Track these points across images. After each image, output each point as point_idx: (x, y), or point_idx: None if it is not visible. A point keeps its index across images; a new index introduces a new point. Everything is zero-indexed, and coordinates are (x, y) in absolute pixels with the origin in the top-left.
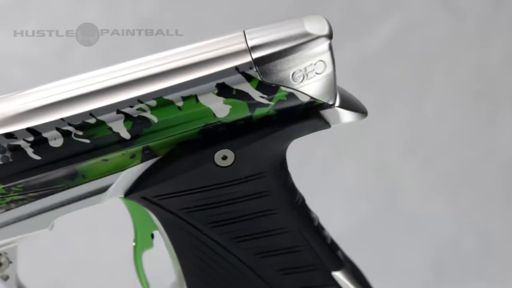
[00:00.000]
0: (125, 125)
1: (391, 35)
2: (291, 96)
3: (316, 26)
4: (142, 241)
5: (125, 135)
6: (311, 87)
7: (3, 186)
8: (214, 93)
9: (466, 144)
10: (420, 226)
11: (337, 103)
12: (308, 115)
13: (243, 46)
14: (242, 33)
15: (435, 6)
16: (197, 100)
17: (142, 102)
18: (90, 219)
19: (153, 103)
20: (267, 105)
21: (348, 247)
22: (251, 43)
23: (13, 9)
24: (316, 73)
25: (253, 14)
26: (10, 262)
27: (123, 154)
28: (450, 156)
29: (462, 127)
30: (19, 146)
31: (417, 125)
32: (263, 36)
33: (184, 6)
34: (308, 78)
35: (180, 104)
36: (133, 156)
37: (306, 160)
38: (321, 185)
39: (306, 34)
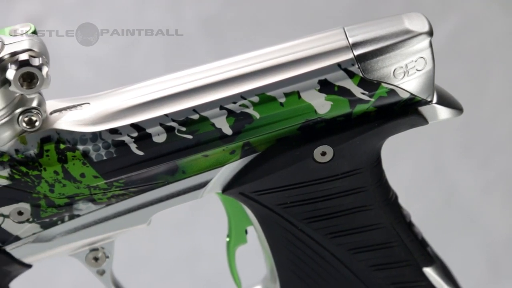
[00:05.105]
0: (228, 121)
1: (449, 35)
2: (391, 92)
3: (417, 23)
4: (236, 237)
5: (227, 131)
6: (411, 83)
7: (105, 181)
8: (316, 89)
9: None
10: (477, 225)
11: (434, 100)
12: (407, 111)
13: (344, 43)
14: (342, 30)
15: (493, 7)
16: (299, 97)
17: (245, 98)
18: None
19: (256, 99)
20: (368, 101)
21: None
22: (352, 40)
23: (77, 9)
24: (417, 70)
25: (312, 14)
26: (107, 257)
27: (223, 150)
28: (507, 155)
29: None
30: (123, 141)
31: (474, 124)
32: (364, 33)
33: (244, 6)
34: (409, 75)
35: (282, 100)
36: (233, 152)
37: None
38: None
39: (408, 31)
